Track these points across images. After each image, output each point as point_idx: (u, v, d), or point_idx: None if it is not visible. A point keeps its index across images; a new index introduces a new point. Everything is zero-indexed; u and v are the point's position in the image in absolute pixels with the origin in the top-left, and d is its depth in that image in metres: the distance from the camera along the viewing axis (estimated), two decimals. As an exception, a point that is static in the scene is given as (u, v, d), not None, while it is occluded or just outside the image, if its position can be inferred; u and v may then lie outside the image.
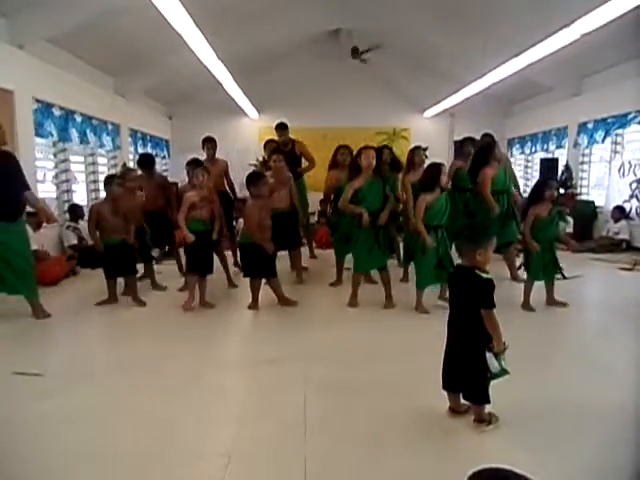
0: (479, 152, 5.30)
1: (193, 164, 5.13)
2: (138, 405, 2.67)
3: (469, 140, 5.96)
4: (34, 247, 5.31)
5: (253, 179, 4.53)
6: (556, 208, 4.42)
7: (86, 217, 7.02)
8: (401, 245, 5.80)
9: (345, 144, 5.55)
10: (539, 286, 4.46)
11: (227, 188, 6.23)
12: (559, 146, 9.52)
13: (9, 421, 2.48)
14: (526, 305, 4.41)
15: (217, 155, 6.14)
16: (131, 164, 9.26)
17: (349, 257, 5.06)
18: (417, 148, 5.61)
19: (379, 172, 4.53)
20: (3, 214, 3.93)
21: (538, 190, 4.37)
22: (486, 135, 6.02)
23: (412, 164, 5.42)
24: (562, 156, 9.31)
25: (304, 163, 6.37)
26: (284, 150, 5.97)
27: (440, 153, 6.62)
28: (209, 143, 6.03)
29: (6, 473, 2.05)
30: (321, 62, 10.15)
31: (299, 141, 6.38)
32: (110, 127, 8.35)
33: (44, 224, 5.08)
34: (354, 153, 4.81)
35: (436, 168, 4.26)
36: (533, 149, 10.60)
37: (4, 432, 2.38)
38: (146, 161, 5.84)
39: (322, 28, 9.42)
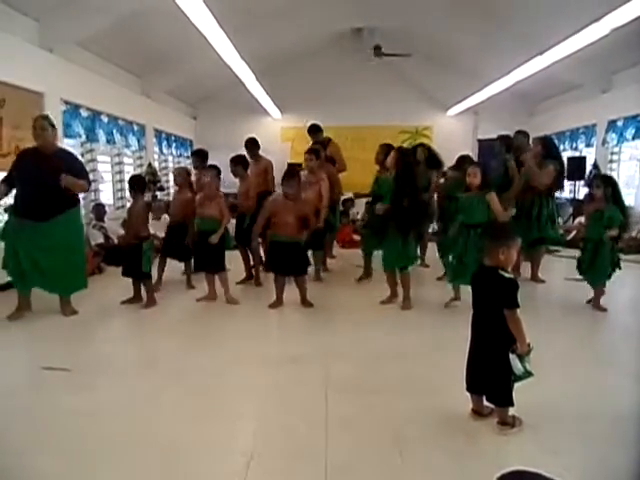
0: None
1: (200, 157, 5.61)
2: (162, 402, 2.71)
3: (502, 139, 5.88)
4: None
5: (284, 177, 4.56)
6: (607, 207, 4.22)
7: (112, 216, 7.25)
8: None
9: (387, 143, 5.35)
10: (566, 286, 4.37)
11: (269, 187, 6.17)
12: (588, 144, 9.28)
13: (36, 415, 2.55)
14: (597, 305, 4.37)
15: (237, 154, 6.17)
16: (156, 164, 9.43)
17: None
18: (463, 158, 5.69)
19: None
20: (33, 214, 3.95)
21: (589, 190, 4.46)
22: (520, 132, 5.89)
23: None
24: (590, 155, 9.08)
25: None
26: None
27: (463, 151, 6.52)
28: (249, 144, 6.07)
29: (33, 465, 2.10)
30: (344, 60, 10.13)
31: (334, 143, 6.27)
32: (136, 127, 8.50)
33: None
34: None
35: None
36: (561, 147, 10.35)
37: (32, 426, 2.44)
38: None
39: (344, 26, 9.41)
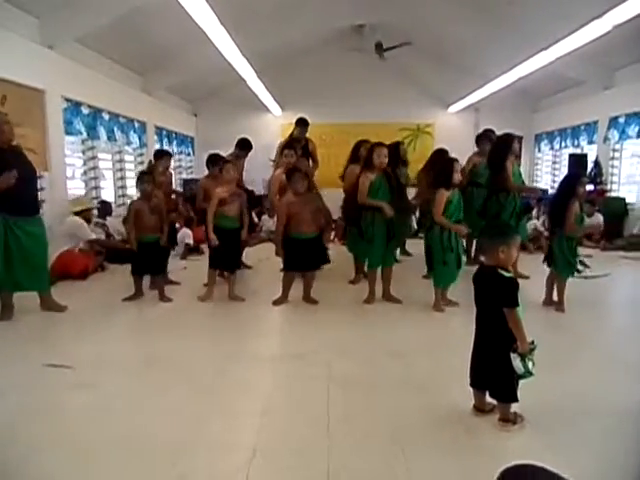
0: (497, 147, 5.22)
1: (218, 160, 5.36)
2: (165, 398, 2.72)
3: (485, 135, 5.93)
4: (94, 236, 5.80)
5: (289, 175, 4.54)
6: (583, 205, 4.40)
7: (114, 214, 7.25)
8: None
9: (366, 139, 5.41)
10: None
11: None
12: (590, 141, 9.26)
13: (39, 412, 2.55)
14: (560, 305, 4.28)
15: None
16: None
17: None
18: (444, 152, 5.62)
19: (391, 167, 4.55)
20: (18, 210, 3.92)
21: (571, 186, 4.18)
22: (489, 130, 6.02)
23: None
24: (592, 152, 9.06)
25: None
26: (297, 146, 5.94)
27: (465, 149, 6.50)
28: (247, 146, 6.13)
29: (34, 465, 2.11)
30: (345, 58, 10.12)
31: (312, 141, 6.30)
32: (137, 125, 8.49)
33: None
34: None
35: (450, 165, 4.20)
36: (562, 144, 10.35)
37: (34, 422, 2.44)
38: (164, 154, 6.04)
39: (345, 23, 9.39)
